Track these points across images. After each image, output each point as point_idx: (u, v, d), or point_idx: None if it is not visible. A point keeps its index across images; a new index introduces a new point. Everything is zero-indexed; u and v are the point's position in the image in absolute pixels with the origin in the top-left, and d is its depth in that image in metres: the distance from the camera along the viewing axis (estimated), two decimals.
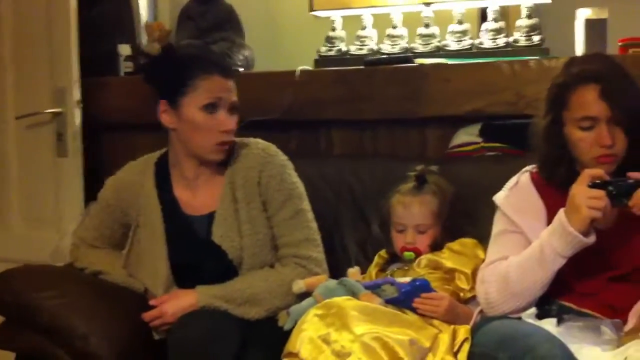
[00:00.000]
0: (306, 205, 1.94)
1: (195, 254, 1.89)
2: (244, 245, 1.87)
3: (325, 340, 1.55)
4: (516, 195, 1.71)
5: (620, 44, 2.20)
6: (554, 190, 1.66)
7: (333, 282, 1.80)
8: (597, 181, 1.52)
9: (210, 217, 1.90)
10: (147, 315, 1.84)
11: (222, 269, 1.88)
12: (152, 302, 1.86)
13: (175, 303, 1.82)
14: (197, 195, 1.93)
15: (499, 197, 1.73)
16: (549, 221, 1.59)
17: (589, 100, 1.60)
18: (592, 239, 1.51)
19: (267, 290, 1.83)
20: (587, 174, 1.52)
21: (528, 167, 1.76)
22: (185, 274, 1.89)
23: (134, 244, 1.96)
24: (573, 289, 1.60)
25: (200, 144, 1.88)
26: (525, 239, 1.64)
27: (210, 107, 1.85)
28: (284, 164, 1.94)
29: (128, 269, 1.96)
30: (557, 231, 1.53)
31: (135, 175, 1.98)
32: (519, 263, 1.59)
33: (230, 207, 1.89)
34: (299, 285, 1.80)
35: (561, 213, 1.54)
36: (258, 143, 1.97)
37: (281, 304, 1.82)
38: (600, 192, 1.49)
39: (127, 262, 1.96)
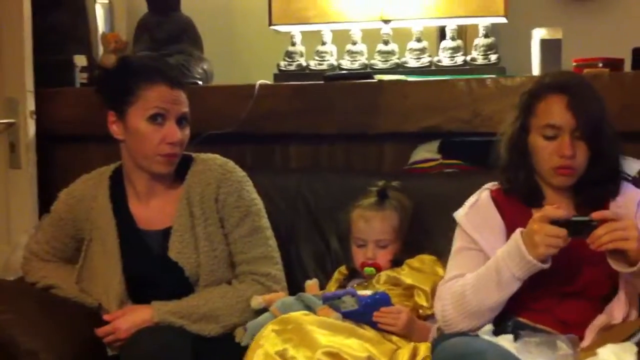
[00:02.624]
0: (265, 222, 1.92)
1: (150, 269, 1.86)
2: (201, 262, 1.84)
3: (282, 356, 1.54)
4: (476, 212, 1.71)
5: (574, 63, 2.25)
6: (513, 207, 1.68)
7: (290, 298, 1.80)
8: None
9: (165, 233, 1.87)
10: (100, 331, 1.80)
11: (178, 284, 1.85)
12: (105, 317, 1.82)
13: (129, 319, 1.78)
14: (152, 210, 1.90)
15: (458, 214, 1.74)
16: (508, 237, 1.60)
17: (555, 109, 1.61)
18: (548, 263, 1.52)
19: (224, 307, 1.80)
20: (548, 214, 1.50)
21: (488, 185, 1.77)
22: (140, 290, 1.85)
23: (87, 258, 1.92)
24: (528, 305, 1.61)
25: (145, 155, 1.83)
26: (484, 256, 1.64)
27: (156, 118, 1.81)
28: (242, 180, 1.92)
29: (81, 283, 1.91)
30: (514, 256, 1.53)
31: (89, 188, 1.95)
32: (474, 283, 1.59)
33: (186, 223, 1.86)
34: (258, 301, 1.79)
35: (518, 237, 1.53)
36: (216, 159, 1.94)
37: (238, 320, 1.80)
38: (562, 231, 1.48)
39: (80, 276, 1.92)
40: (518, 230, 1.55)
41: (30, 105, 2.49)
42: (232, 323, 1.80)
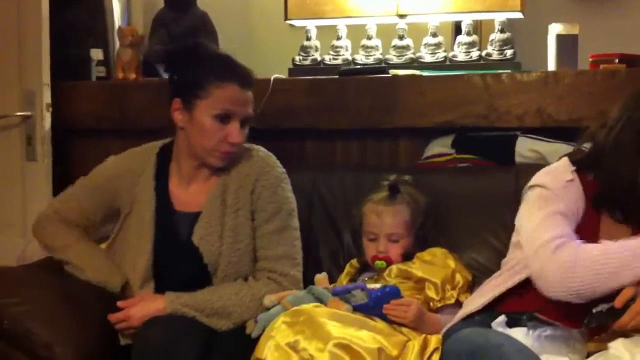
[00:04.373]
0: (295, 222, 1.92)
1: (174, 251, 1.87)
2: (222, 251, 1.85)
3: (293, 348, 1.54)
4: (571, 190, 1.60)
5: (591, 59, 2.23)
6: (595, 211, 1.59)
7: (301, 291, 1.80)
8: None
9: (196, 217, 1.88)
10: (112, 317, 1.81)
11: (197, 271, 1.85)
12: (120, 304, 1.83)
13: (142, 307, 1.79)
14: (190, 193, 1.92)
15: (552, 183, 1.61)
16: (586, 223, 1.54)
17: None
18: None
19: (238, 304, 1.80)
20: None
21: (568, 165, 1.65)
22: (163, 270, 1.87)
23: (122, 231, 1.93)
24: (549, 305, 1.57)
25: (204, 148, 1.86)
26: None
27: (222, 117, 1.83)
28: (280, 176, 1.93)
29: (112, 254, 1.93)
30: None
31: (138, 163, 1.96)
32: (605, 251, 1.49)
33: (216, 210, 1.87)
34: (271, 300, 1.78)
35: None
36: (259, 151, 1.96)
37: (250, 317, 1.80)
38: None
39: (113, 247, 1.93)
40: None
41: (47, 98, 2.51)
42: (244, 320, 1.80)
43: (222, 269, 1.85)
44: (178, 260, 1.87)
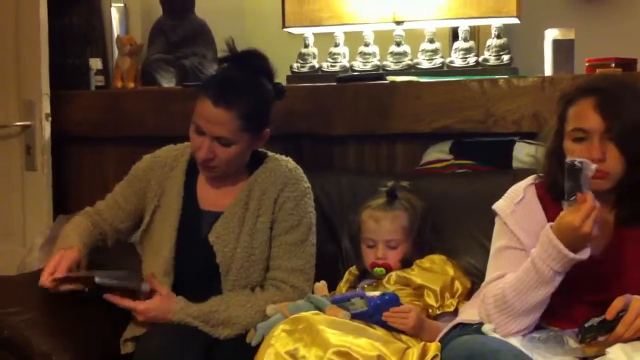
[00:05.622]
0: (313, 238, 1.93)
1: (193, 248, 1.88)
2: (236, 254, 1.86)
3: (293, 356, 1.54)
4: (522, 211, 1.65)
5: (587, 64, 2.24)
6: (557, 206, 1.58)
7: (301, 300, 1.80)
8: None
9: (217, 216, 1.89)
10: (122, 301, 1.81)
11: (209, 271, 1.86)
12: (129, 304, 1.83)
13: (151, 308, 1.79)
14: (215, 193, 1.93)
15: (502, 209, 1.68)
16: None
17: (583, 112, 1.57)
18: (587, 253, 1.49)
19: (243, 316, 1.81)
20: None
21: (530, 179, 1.71)
22: (180, 265, 1.88)
23: (151, 223, 1.95)
24: (557, 313, 1.58)
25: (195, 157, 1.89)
26: (527, 256, 1.58)
27: (197, 130, 1.83)
28: (305, 190, 1.93)
29: (140, 244, 1.96)
30: (550, 252, 1.49)
31: (172, 158, 1.98)
32: (515, 285, 1.55)
33: (238, 213, 1.88)
34: (273, 309, 1.79)
35: (549, 233, 1.49)
36: (288, 162, 1.97)
37: (253, 327, 1.80)
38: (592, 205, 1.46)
39: (142, 237, 1.96)
40: (547, 226, 1.51)
41: (46, 107, 2.52)
42: (246, 329, 1.81)
43: (234, 272, 1.86)
44: (195, 258, 1.88)
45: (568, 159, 1.50)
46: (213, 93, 1.80)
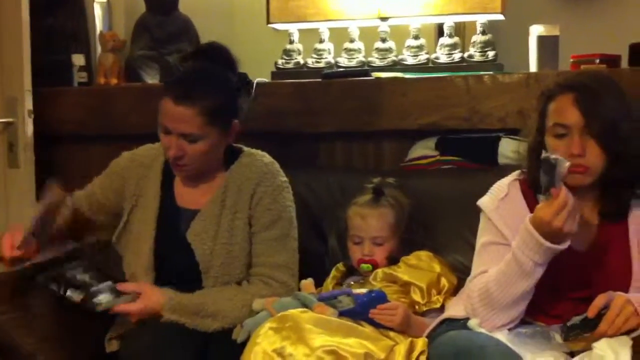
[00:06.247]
0: (294, 232, 1.92)
1: (172, 246, 1.88)
2: (215, 251, 1.85)
3: (280, 354, 1.54)
4: (506, 206, 1.66)
5: (572, 60, 2.25)
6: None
7: (287, 297, 1.79)
8: None
9: (195, 214, 1.89)
10: (119, 308, 1.79)
11: (189, 269, 1.85)
12: (120, 287, 1.82)
13: (142, 301, 1.78)
14: (193, 191, 1.93)
15: (486, 205, 1.69)
16: None
17: (563, 107, 1.59)
18: (567, 243, 1.50)
19: (230, 309, 1.80)
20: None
21: (515, 175, 1.72)
22: (161, 263, 1.88)
23: (128, 222, 1.94)
24: (542, 309, 1.60)
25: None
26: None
27: (164, 130, 1.83)
28: (282, 185, 1.92)
29: (117, 244, 1.95)
30: (530, 244, 1.51)
31: (149, 157, 1.98)
32: (498, 279, 1.56)
33: (214, 210, 1.88)
34: (260, 304, 1.78)
35: (529, 225, 1.51)
36: (264, 157, 1.96)
37: (240, 321, 1.79)
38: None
39: (118, 238, 1.95)
40: (527, 218, 1.52)
41: (29, 104, 2.49)
42: (234, 324, 1.80)
43: (215, 269, 1.85)
44: (175, 256, 1.88)
45: (543, 155, 1.52)
46: (173, 91, 1.80)
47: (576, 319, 1.49)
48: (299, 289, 1.86)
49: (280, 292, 1.83)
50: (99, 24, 2.75)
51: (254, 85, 2.09)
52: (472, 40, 2.47)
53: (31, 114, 2.49)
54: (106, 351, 1.84)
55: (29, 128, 2.50)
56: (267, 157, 1.96)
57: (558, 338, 1.48)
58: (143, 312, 1.77)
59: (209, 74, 1.86)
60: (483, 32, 2.45)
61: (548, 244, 1.48)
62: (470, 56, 2.45)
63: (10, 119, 2.50)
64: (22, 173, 2.50)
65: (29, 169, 2.50)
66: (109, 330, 1.87)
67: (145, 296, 1.79)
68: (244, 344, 1.66)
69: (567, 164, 1.49)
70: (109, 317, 1.84)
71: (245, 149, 1.98)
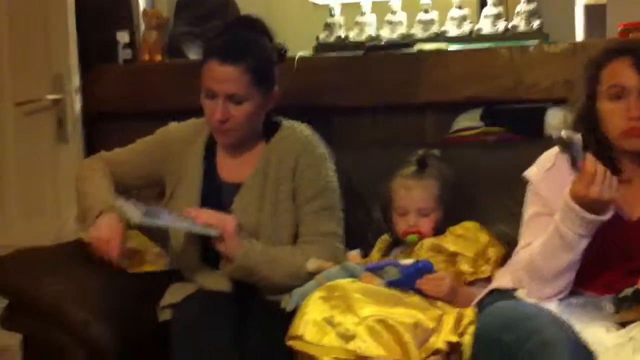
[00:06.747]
0: (338, 202, 1.93)
1: None
2: (261, 222, 1.87)
3: (330, 323, 1.55)
4: (553, 177, 1.65)
5: (620, 28, 2.20)
6: None
7: (335, 267, 1.80)
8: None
9: (238, 187, 1.91)
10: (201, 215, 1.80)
11: None
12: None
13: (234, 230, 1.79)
14: (234, 164, 1.95)
15: (533, 176, 1.68)
16: None
17: (619, 70, 1.58)
18: (608, 213, 1.49)
19: (289, 261, 1.81)
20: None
21: (554, 149, 1.69)
22: (205, 240, 1.88)
23: (172, 198, 1.97)
24: (591, 280, 1.58)
25: (209, 126, 1.92)
26: None
27: (209, 95, 1.85)
28: (323, 156, 1.94)
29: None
30: (572, 217, 1.50)
31: (193, 133, 2.00)
32: (541, 250, 1.56)
33: (258, 182, 1.90)
34: (315, 264, 1.78)
35: (569, 199, 1.50)
36: (303, 129, 1.97)
37: (289, 285, 1.79)
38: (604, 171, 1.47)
39: None
40: (566, 191, 1.51)
41: (76, 81, 2.55)
42: (286, 284, 1.79)
43: (261, 241, 1.86)
44: None
45: (554, 135, 1.52)
46: (219, 53, 1.83)
47: (628, 291, 1.47)
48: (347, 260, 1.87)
49: (336, 256, 1.84)
50: (142, 2, 2.78)
51: (295, 59, 2.09)
52: (516, 10, 2.44)
53: (78, 90, 2.55)
54: (158, 320, 1.87)
55: (77, 104, 2.56)
56: (306, 129, 1.97)
57: (609, 308, 1.47)
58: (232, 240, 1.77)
59: (250, 38, 1.90)
60: (528, 1, 2.41)
61: (588, 215, 1.48)
62: (515, 26, 2.41)
63: (58, 96, 2.56)
64: (71, 148, 2.58)
65: (77, 144, 2.57)
66: (160, 300, 1.90)
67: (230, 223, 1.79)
68: (290, 314, 1.68)
69: (579, 135, 1.50)
70: (160, 287, 1.88)
71: (284, 121, 1.99)
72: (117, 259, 1.83)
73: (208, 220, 1.79)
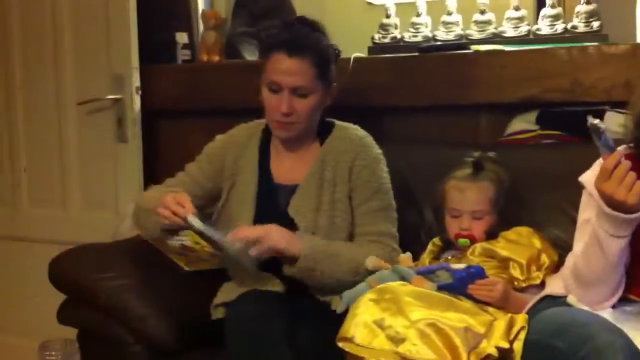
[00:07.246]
0: (393, 203, 1.95)
1: (273, 222, 1.89)
2: (318, 224, 1.89)
3: (380, 325, 1.56)
4: None
5: None
6: None
7: (386, 271, 1.80)
8: None
9: (294, 189, 1.93)
10: (243, 230, 1.81)
11: None
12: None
13: (281, 235, 1.81)
14: (288, 166, 1.98)
15: (589, 181, 1.65)
16: None
17: None
18: (634, 215, 1.46)
19: (348, 254, 1.83)
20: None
21: (620, 149, 1.65)
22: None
23: (227, 202, 2.00)
24: (630, 279, 1.56)
25: (268, 120, 1.95)
26: None
27: (272, 88, 1.88)
28: (378, 157, 1.96)
29: (217, 225, 1.98)
30: (601, 215, 1.49)
31: (245, 137, 2.04)
32: (582, 254, 1.55)
33: (315, 183, 1.92)
34: (373, 262, 1.80)
35: (598, 199, 1.48)
36: (357, 130, 1.99)
37: (348, 280, 1.80)
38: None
39: (218, 219, 2.00)
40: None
41: (136, 81, 2.60)
42: (341, 281, 1.81)
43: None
44: None
45: (589, 121, 1.47)
46: (285, 46, 1.85)
47: None
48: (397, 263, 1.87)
49: (394, 257, 1.85)
50: (201, 3, 2.82)
51: (351, 59, 2.09)
52: (575, 10, 2.39)
53: (138, 90, 2.61)
54: (212, 318, 1.91)
55: (137, 104, 2.61)
56: (360, 130, 1.99)
57: None
58: (278, 245, 1.79)
59: (312, 34, 1.93)
60: (587, 2, 2.36)
61: (606, 209, 1.45)
62: (574, 27, 2.36)
63: (118, 96, 2.62)
64: (131, 147, 2.62)
65: (136, 143, 2.62)
66: (214, 298, 1.93)
67: (283, 233, 1.81)
68: (340, 316, 1.68)
69: (603, 125, 1.46)
70: (214, 285, 1.92)
71: (337, 122, 2.01)
72: (193, 211, 1.81)
73: (250, 234, 1.80)
